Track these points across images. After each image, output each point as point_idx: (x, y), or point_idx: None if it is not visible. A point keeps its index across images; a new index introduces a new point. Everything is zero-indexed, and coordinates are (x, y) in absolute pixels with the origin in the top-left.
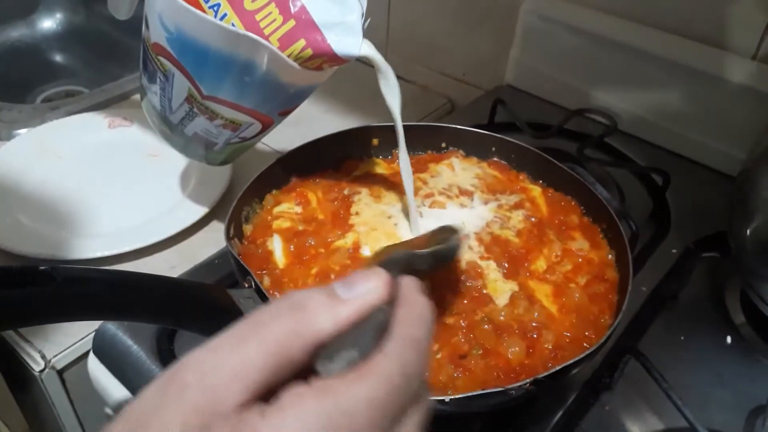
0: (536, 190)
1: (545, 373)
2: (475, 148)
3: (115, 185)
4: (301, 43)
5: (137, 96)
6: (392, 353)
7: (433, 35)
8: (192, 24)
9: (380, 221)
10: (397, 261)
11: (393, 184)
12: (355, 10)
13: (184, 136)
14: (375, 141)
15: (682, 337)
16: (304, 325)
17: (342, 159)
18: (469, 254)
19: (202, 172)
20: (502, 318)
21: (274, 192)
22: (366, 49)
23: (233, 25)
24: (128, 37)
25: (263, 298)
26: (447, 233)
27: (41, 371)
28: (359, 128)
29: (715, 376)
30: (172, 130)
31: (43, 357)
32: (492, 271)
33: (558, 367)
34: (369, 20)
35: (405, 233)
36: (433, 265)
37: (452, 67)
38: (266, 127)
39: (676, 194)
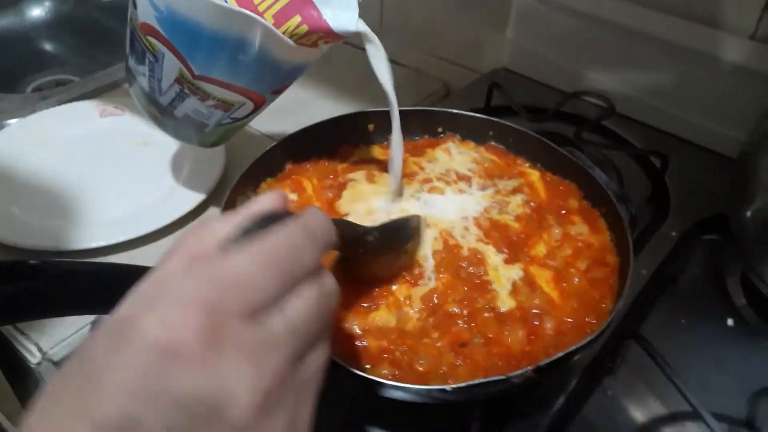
0: (534, 175)
1: (547, 360)
2: (472, 133)
3: (108, 174)
4: (297, 19)
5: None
6: (283, 229)
7: (427, 18)
8: (183, 2)
9: (365, 201)
10: (343, 223)
11: (387, 170)
12: None
13: (174, 118)
14: (371, 126)
15: (683, 321)
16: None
17: (337, 145)
18: (469, 239)
19: (196, 159)
20: (504, 309)
21: (269, 180)
22: (363, 24)
23: (226, 1)
24: (118, 24)
25: None
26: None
27: (38, 364)
28: (355, 114)
29: (717, 360)
30: (161, 112)
31: (39, 349)
32: (492, 256)
33: (560, 354)
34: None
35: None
36: (381, 238)
37: (447, 50)
38: (258, 106)
39: (675, 176)
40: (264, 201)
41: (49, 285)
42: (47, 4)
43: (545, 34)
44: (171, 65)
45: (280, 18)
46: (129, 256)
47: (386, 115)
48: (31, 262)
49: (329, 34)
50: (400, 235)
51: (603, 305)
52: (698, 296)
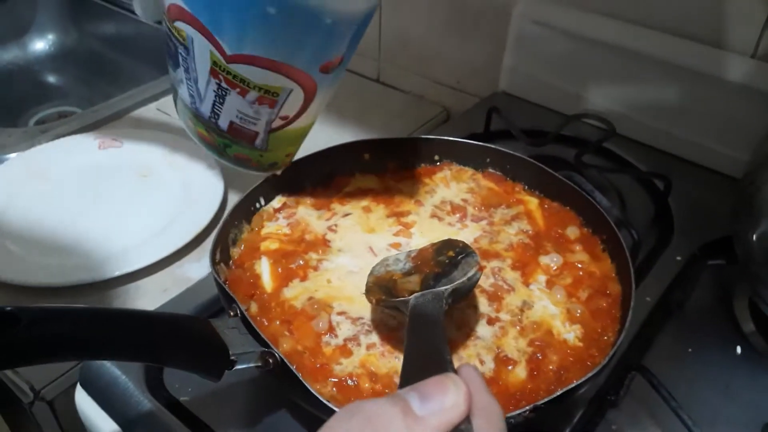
0: (533, 202)
1: (545, 400)
2: (469, 160)
3: (105, 208)
4: None
5: (129, 116)
6: None
7: (426, 44)
8: None
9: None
10: (425, 305)
11: (384, 200)
12: None
13: (221, 132)
14: (366, 156)
15: (690, 349)
16: None
17: (332, 175)
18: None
19: (194, 192)
20: (509, 355)
21: (262, 212)
22: None
23: None
24: (120, 56)
25: (248, 327)
26: (452, 248)
27: (30, 403)
28: (350, 143)
29: (725, 389)
30: (208, 128)
31: (32, 388)
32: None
33: (558, 393)
34: None
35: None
36: (453, 302)
37: (447, 75)
38: (309, 94)
39: (679, 199)
40: (453, 409)
41: (23, 332)
42: (50, 37)
43: (543, 57)
44: (202, 51)
45: None
46: (125, 290)
47: (382, 144)
48: (6, 308)
49: None
50: (470, 289)
51: (605, 337)
52: (705, 323)
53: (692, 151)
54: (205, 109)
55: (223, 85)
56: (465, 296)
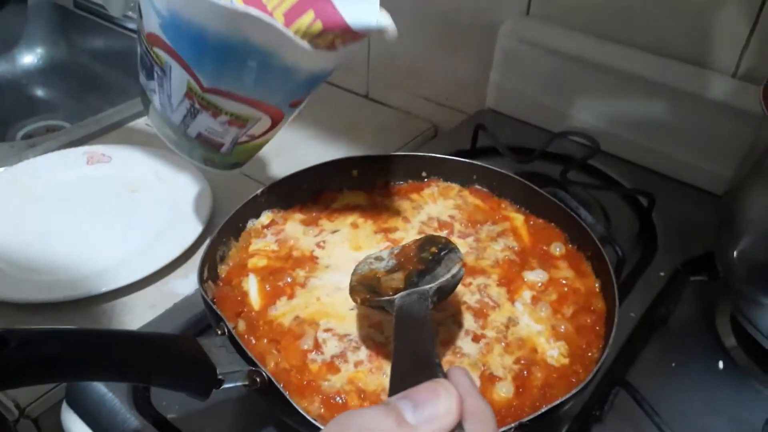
0: (518, 219)
1: (530, 417)
2: (455, 176)
3: (93, 223)
4: (310, 15)
5: (117, 130)
6: None
7: (414, 60)
8: (184, 3)
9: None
10: (411, 306)
11: (371, 217)
12: None
13: (189, 138)
14: (354, 172)
15: (674, 364)
16: None
17: (320, 191)
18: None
19: (182, 207)
20: (495, 372)
21: (250, 229)
22: (385, 19)
23: (231, 1)
24: (109, 70)
25: (236, 345)
26: (435, 244)
27: (15, 421)
28: (338, 160)
29: (709, 403)
30: (175, 132)
31: (17, 406)
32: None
33: (543, 410)
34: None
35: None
36: (438, 300)
37: (435, 91)
38: (276, 121)
39: (663, 215)
40: (446, 416)
41: (10, 355)
42: (39, 50)
43: (529, 74)
44: (179, 78)
45: (292, 15)
46: (112, 306)
47: (371, 161)
48: None
49: (347, 32)
50: (454, 287)
51: (590, 354)
52: (688, 338)
53: (676, 168)
54: (176, 119)
55: (196, 106)
56: (449, 293)
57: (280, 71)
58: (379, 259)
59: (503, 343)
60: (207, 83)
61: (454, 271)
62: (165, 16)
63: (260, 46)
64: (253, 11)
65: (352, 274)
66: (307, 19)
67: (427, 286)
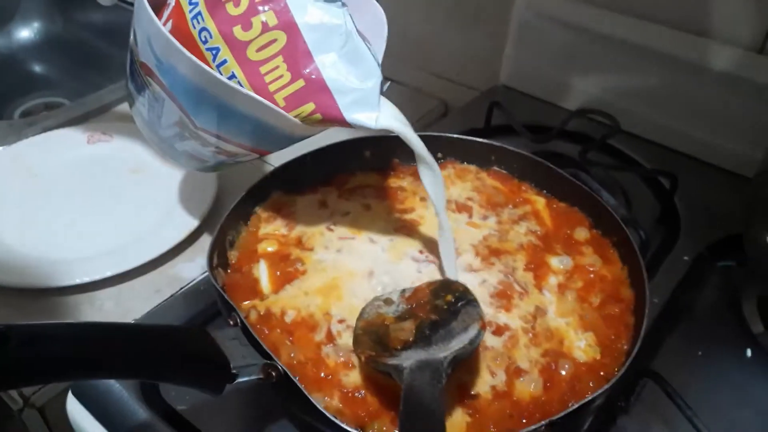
0: (540, 202)
1: (561, 414)
2: (473, 157)
3: (94, 205)
4: (310, 106)
5: (119, 107)
6: None
7: (424, 35)
8: (185, 66)
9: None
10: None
11: (386, 198)
12: (374, 74)
13: (174, 149)
14: (367, 153)
15: (700, 352)
16: None
17: (332, 172)
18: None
19: (186, 188)
20: (521, 366)
21: (260, 212)
22: (385, 121)
23: (233, 75)
24: (108, 45)
25: (249, 337)
26: (451, 292)
27: (20, 410)
28: (350, 140)
29: (738, 394)
30: (160, 140)
31: (21, 394)
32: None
33: (575, 406)
34: (389, 84)
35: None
36: (453, 369)
37: (445, 67)
38: (264, 155)
39: (685, 197)
40: None
41: (12, 353)
42: (36, 25)
43: (546, 50)
44: (171, 110)
45: (293, 102)
46: (117, 290)
47: (383, 141)
48: None
49: (344, 125)
50: (472, 352)
51: (619, 345)
52: (714, 325)
53: (699, 149)
54: (163, 133)
55: (186, 135)
56: (466, 359)
57: (274, 134)
58: (388, 302)
59: (530, 335)
60: (201, 125)
61: (472, 334)
62: (163, 63)
63: (259, 120)
64: (257, 98)
65: (358, 319)
66: (308, 109)
67: (441, 356)
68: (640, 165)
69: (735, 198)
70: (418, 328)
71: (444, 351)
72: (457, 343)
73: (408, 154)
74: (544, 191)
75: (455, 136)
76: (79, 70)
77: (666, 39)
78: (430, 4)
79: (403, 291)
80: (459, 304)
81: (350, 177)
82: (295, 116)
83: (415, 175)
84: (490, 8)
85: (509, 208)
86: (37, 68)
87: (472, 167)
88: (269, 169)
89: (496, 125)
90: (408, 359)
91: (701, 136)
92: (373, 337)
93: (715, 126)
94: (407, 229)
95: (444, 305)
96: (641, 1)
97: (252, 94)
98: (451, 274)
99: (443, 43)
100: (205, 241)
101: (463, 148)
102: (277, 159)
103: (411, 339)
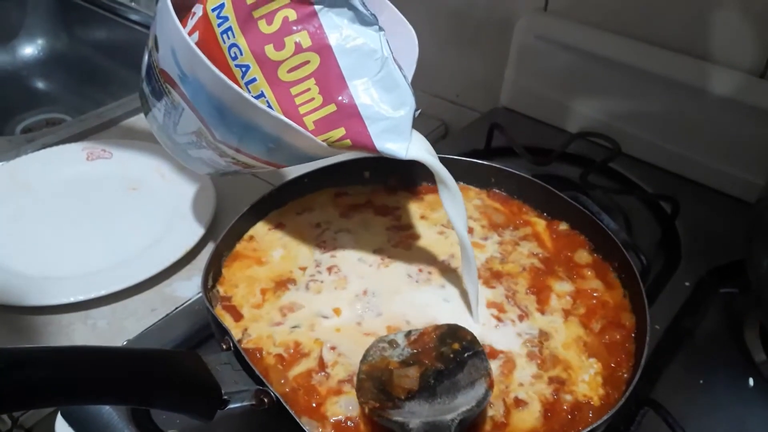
0: (540, 224)
1: None
2: (473, 178)
3: (92, 222)
4: (340, 132)
5: (119, 124)
6: None
7: (424, 56)
8: (212, 82)
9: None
10: None
11: (385, 215)
12: (407, 102)
13: (187, 155)
14: (366, 174)
15: (701, 381)
16: None
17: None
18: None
19: (184, 206)
20: (523, 395)
21: (256, 232)
22: (415, 152)
23: (262, 94)
24: (112, 62)
25: (242, 362)
26: (458, 340)
27: (8, 431)
28: (350, 161)
29: (739, 424)
30: (175, 146)
31: (10, 416)
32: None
33: None
34: (420, 111)
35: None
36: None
37: (446, 88)
38: (279, 168)
39: (687, 222)
40: None
41: None
42: (40, 42)
43: (546, 72)
44: (190, 120)
45: (322, 127)
46: (111, 309)
47: (384, 161)
48: None
49: (374, 152)
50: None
51: (619, 373)
52: (716, 352)
53: (701, 173)
54: (179, 138)
55: (203, 144)
56: (473, 419)
57: (297, 153)
58: (393, 344)
59: (538, 360)
60: (221, 138)
61: (479, 394)
62: (187, 75)
63: (284, 141)
64: (287, 121)
65: (362, 361)
66: (338, 134)
67: (449, 418)
68: (641, 189)
69: (737, 223)
70: (423, 376)
71: (450, 412)
72: (464, 403)
73: (407, 175)
74: (544, 213)
75: (456, 157)
76: (82, 86)
77: (667, 62)
78: (431, 26)
79: (409, 333)
80: (466, 354)
81: (349, 196)
82: (324, 140)
83: (415, 196)
84: (491, 30)
85: (510, 230)
86: (40, 84)
87: (473, 188)
88: (268, 188)
89: (496, 147)
90: (413, 415)
91: (703, 161)
92: (377, 384)
93: (716, 150)
94: (404, 243)
95: (450, 353)
96: (643, 24)
97: (283, 117)
98: (473, 299)
99: (444, 65)
100: (203, 259)
101: (463, 170)
102: (275, 178)
103: (415, 388)
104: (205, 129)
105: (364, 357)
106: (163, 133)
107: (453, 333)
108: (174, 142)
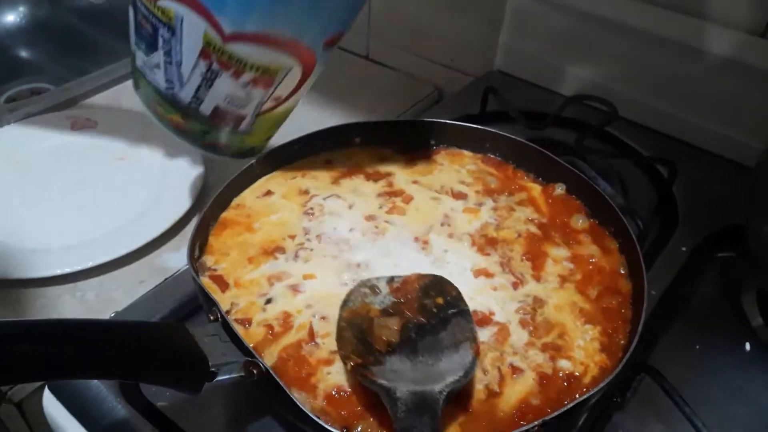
0: (536, 189)
1: (555, 414)
2: (467, 143)
3: (78, 193)
4: None
5: (104, 93)
6: None
7: (418, 18)
8: None
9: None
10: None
11: (376, 181)
12: None
13: (202, 119)
14: (356, 140)
15: (698, 346)
16: None
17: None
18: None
19: (173, 176)
20: (518, 362)
21: (243, 200)
22: None
23: None
24: (95, 30)
25: (230, 333)
26: (442, 294)
27: None
28: (339, 126)
29: (736, 389)
30: (185, 114)
31: None
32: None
33: (569, 406)
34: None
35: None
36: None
37: (439, 52)
38: (307, 72)
39: (684, 186)
40: None
41: None
42: (21, 9)
43: (542, 34)
44: (193, 31)
45: None
46: (99, 281)
47: (374, 127)
48: None
49: None
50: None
51: (616, 339)
52: (712, 318)
53: (699, 136)
54: (186, 94)
55: (215, 67)
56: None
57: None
58: (374, 290)
59: (531, 327)
60: (231, 27)
61: (466, 363)
62: None
63: None
64: None
65: (342, 306)
66: None
67: (437, 389)
68: (638, 152)
69: (735, 187)
70: (404, 328)
71: (437, 380)
72: (450, 371)
73: (399, 141)
74: (540, 178)
75: (449, 122)
76: (66, 55)
77: (665, 22)
78: None
79: (392, 279)
80: (450, 311)
81: (338, 164)
82: None
83: (409, 162)
84: None
85: (505, 195)
86: (23, 53)
87: (467, 153)
88: (255, 157)
89: (491, 111)
90: (396, 375)
91: (701, 123)
92: (357, 333)
93: (715, 113)
94: (398, 209)
95: (433, 307)
96: None
97: None
98: None
99: (437, 29)
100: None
101: (457, 135)
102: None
103: (395, 340)
104: (211, 30)
105: (345, 302)
106: (169, 106)
107: (437, 285)
108: (183, 106)
